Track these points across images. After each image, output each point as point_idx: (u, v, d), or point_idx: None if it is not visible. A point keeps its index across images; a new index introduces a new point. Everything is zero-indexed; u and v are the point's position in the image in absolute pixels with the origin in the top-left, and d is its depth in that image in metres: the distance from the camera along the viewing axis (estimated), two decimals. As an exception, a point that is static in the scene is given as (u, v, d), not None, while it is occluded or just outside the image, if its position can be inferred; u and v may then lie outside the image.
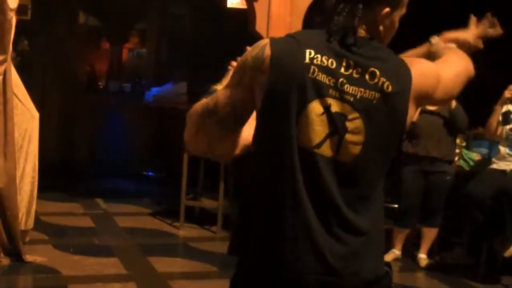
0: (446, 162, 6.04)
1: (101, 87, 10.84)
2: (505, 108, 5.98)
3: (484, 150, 6.82)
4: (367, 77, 1.90)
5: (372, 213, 1.96)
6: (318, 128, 1.88)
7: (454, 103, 5.86)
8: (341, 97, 1.88)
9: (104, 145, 9.44)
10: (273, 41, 1.93)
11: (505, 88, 5.99)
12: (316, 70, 1.87)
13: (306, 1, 6.62)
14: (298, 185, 1.87)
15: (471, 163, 6.57)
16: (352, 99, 1.88)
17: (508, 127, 5.96)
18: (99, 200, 7.89)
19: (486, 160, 6.50)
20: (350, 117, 1.89)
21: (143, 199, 8.08)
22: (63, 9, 9.45)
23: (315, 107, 1.87)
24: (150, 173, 9.74)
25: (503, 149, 6.01)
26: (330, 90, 1.88)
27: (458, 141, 6.65)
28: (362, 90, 1.89)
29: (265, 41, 1.93)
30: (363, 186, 1.94)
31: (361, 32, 1.95)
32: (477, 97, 7.30)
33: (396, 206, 6.20)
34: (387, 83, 1.91)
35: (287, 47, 1.91)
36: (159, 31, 10.95)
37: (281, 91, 1.87)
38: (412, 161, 5.99)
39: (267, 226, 1.91)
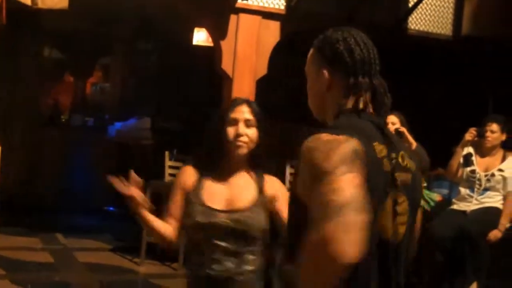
0: None
1: (63, 121, 10.76)
2: (466, 151, 6.08)
3: (445, 191, 6.91)
4: (400, 160, 1.94)
5: None
6: (389, 217, 1.90)
7: (414, 144, 5.93)
8: (394, 183, 1.90)
9: (66, 179, 9.34)
10: (351, 134, 1.79)
11: (465, 131, 6.09)
12: (386, 162, 1.87)
13: (272, 41, 6.71)
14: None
15: (432, 203, 6.64)
16: (399, 184, 1.91)
17: (468, 169, 6.06)
18: (59, 235, 7.79)
19: (447, 201, 6.58)
20: (399, 201, 1.92)
21: (104, 235, 7.99)
22: (28, 42, 9.41)
23: (389, 200, 1.88)
24: (111, 208, 9.65)
25: (463, 190, 6.10)
26: (390, 177, 1.89)
27: (419, 181, 6.72)
28: (401, 173, 1.93)
29: (340, 137, 1.76)
30: (405, 262, 2.00)
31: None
32: (437, 138, 7.43)
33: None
34: (411, 162, 1.98)
35: (362, 140, 1.81)
36: (124, 66, 10.95)
37: (371, 188, 1.76)
38: None
39: None
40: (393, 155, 1.91)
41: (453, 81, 8.30)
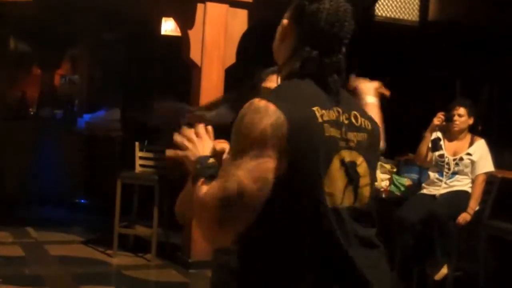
0: None
1: (32, 113, 10.66)
2: (434, 135, 6.14)
3: (414, 176, 6.97)
4: (353, 120, 1.94)
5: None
6: (339, 184, 1.87)
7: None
8: (348, 145, 1.90)
9: (35, 173, 9.26)
10: (282, 105, 1.80)
11: (433, 115, 6.14)
12: (328, 127, 1.85)
13: (240, 29, 6.70)
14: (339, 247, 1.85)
15: (402, 188, 6.70)
16: (354, 144, 1.91)
17: (437, 153, 6.11)
18: (30, 228, 7.73)
19: (417, 185, 6.64)
20: (358, 162, 1.92)
21: (75, 227, 7.95)
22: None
23: (335, 164, 1.86)
24: (83, 201, 9.60)
25: (432, 175, 6.16)
26: (340, 142, 1.88)
27: (388, 166, 6.78)
28: (356, 134, 1.93)
29: (271, 106, 1.79)
30: (374, 224, 1.99)
31: None
32: (406, 123, 7.48)
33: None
34: (366, 121, 1.98)
35: (298, 111, 1.82)
36: (92, 57, 10.87)
37: (306, 160, 1.80)
38: None
39: None
40: (345, 116, 1.91)
41: (420, 66, 8.36)
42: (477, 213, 5.91)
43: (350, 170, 1.89)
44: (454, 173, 6.04)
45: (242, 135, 1.80)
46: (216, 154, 2.03)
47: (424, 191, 6.19)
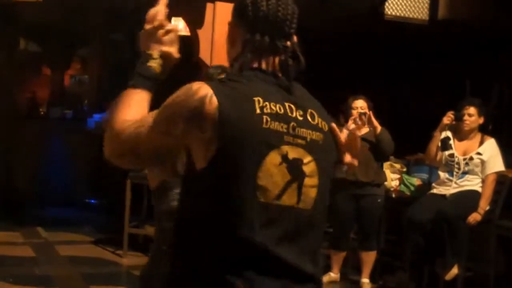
0: (374, 186, 6.12)
1: (42, 113, 10.68)
2: (443, 135, 6.11)
3: (424, 175, 6.94)
4: (309, 118, 1.89)
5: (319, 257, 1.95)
6: (277, 179, 1.80)
7: (379, 128, 5.98)
8: (295, 142, 1.84)
9: (45, 173, 9.29)
10: (218, 93, 1.77)
11: (443, 114, 6.12)
12: (269, 119, 1.80)
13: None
14: (262, 243, 1.78)
15: (412, 188, 6.69)
16: (304, 142, 1.85)
17: (447, 153, 6.08)
18: (40, 228, 7.75)
19: (426, 185, 6.62)
20: (305, 161, 1.85)
21: (85, 227, 7.97)
22: (3, 35, 9.32)
23: (273, 158, 1.79)
24: (92, 201, 9.62)
25: (442, 174, 6.14)
26: (285, 137, 1.82)
27: (398, 166, 6.77)
28: (310, 132, 1.87)
29: (205, 92, 1.77)
30: (318, 231, 1.92)
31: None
32: (416, 123, 7.47)
33: (331, 230, 6.27)
34: (323, 122, 1.92)
35: (234, 98, 1.78)
36: (101, 57, 10.88)
37: (236, 148, 1.75)
38: (341, 186, 6.05)
39: None
40: (298, 112, 1.86)
41: (430, 65, 8.33)
42: (487, 213, 5.89)
43: (293, 166, 1.82)
44: (464, 173, 6.02)
45: (164, 106, 1.87)
46: (164, 56, 2.02)
47: (434, 190, 6.17)
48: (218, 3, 6.51)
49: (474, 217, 5.79)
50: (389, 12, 7.40)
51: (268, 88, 1.85)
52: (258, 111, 1.79)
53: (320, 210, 1.91)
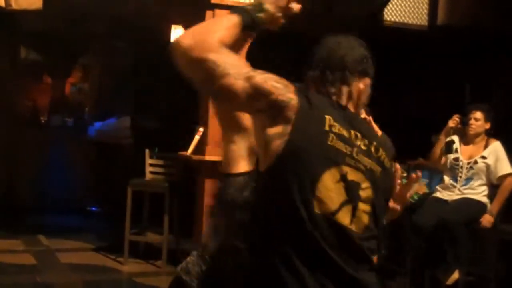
0: None
1: (43, 121, 10.70)
2: (449, 138, 6.10)
3: (425, 180, 6.94)
4: (372, 150, 1.99)
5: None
6: (334, 196, 1.88)
7: (379, 133, 5.97)
8: (356, 166, 1.92)
9: (46, 180, 9.30)
10: (300, 92, 1.90)
11: (443, 119, 6.12)
12: (335, 138, 1.89)
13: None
14: (319, 249, 1.87)
15: (415, 196, 6.66)
16: (364, 169, 1.94)
17: (452, 156, 6.06)
18: (41, 236, 7.75)
19: (428, 193, 6.60)
20: (363, 186, 1.93)
21: (86, 235, 7.97)
22: (4, 43, 9.34)
23: (333, 174, 1.88)
24: (94, 208, 9.62)
25: (447, 179, 6.12)
26: (347, 159, 1.91)
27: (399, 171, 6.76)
28: (370, 161, 1.96)
29: (292, 86, 1.90)
30: (368, 255, 2.00)
31: (350, 105, 2.06)
32: (416, 128, 7.47)
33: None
34: (386, 159, 2.03)
35: (311, 107, 1.89)
36: (102, 65, 10.90)
37: (302, 152, 1.86)
38: None
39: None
40: (363, 142, 1.96)
41: (430, 70, 8.35)
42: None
43: (350, 188, 1.91)
44: (468, 179, 5.99)
45: (267, 75, 1.89)
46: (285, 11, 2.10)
47: (438, 194, 6.16)
48: (218, 11, 6.52)
49: (488, 220, 5.78)
50: (388, 18, 7.42)
51: (338, 113, 1.95)
52: (327, 127, 1.89)
53: (369, 237, 1.98)
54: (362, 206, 1.93)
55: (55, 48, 10.40)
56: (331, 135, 1.89)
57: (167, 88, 9.77)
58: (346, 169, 1.90)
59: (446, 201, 6.05)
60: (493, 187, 5.99)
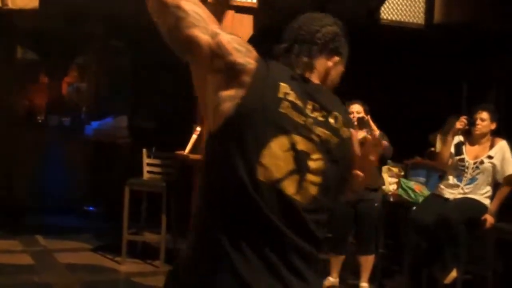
0: (372, 190, 6.11)
1: (40, 121, 10.69)
2: (457, 139, 6.08)
3: (422, 179, 6.95)
4: (331, 121, 1.95)
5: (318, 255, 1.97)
6: (281, 164, 1.86)
7: (377, 132, 5.98)
8: (308, 136, 1.89)
9: (43, 180, 9.28)
10: (260, 63, 1.91)
11: (440, 118, 6.12)
12: (289, 106, 1.88)
13: (246, 34, 6.70)
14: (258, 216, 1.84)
15: (410, 191, 6.68)
16: (317, 139, 1.91)
17: (457, 157, 6.04)
18: (39, 236, 7.74)
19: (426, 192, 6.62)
20: (313, 157, 1.90)
21: (84, 235, 7.96)
22: (0, 43, 9.33)
23: (281, 142, 1.86)
24: (91, 208, 9.61)
25: (451, 178, 6.08)
26: (299, 128, 1.89)
27: (396, 170, 6.78)
28: (327, 133, 1.93)
29: (254, 55, 1.92)
30: (313, 227, 1.93)
31: (315, 77, 2.03)
32: (413, 127, 7.48)
33: (330, 235, 6.29)
34: (344, 129, 1.98)
35: (268, 74, 1.90)
36: (99, 64, 10.89)
37: (251, 118, 1.84)
38: None
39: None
40: (322, 113, 1.94)
41: (426, 69, 8.35)
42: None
43: (299, 158, 1.88)
44: (473, 180, 5.97)
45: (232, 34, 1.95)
46: None
47: (439, 191, 6.16)
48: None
49: (490, 221, 5.78)
50: (385, 17, 7.42)
51: (297, 84, 1.94)
52: (281, 95, 1.88)
53: (317, 210, 1.93)
54: (311, 177, 1.90)
55: (52, 48, 10.39)
56: (285, 102, 1.87)
57: (164, 87, 9.78)
58: (296, 138, 1.87)
59: (447, 199, 6.04)
60: (496, 186, 5.99)
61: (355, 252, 6.35)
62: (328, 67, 2.06)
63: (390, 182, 6.68)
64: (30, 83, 10.82)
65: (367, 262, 6.22)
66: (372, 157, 2.05)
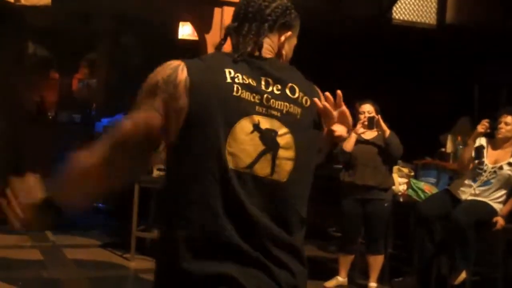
0: (382, 190, 6.09)
1: (50, 117, 10.71)
2: (477, 143, 5.99)
3: (432, 180, 6.93)
4: (288, 92, 1.93)
5: (302, 232, 1.95)
6: (249, 148, 1.85)
7: (388, 132, 5.97)
8: (269, 113, 1.88)
9: (53, 176, 9.29)
10: (189, 64, 1.89)
11: (451, 119, 6.09)
12: (240, 88, 1.87)
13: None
14: (232, 207, 1.83)
15: (419, 192, 6.67)
16: (279, 114, 1.90)
17: (477, 161, 5.96)
18: (48, 232, 7.76)
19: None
20: (280, 132, 1.89)
21: (93, 231, 7.98)
22: (12, 39, 9.35)
23: (244, 126, 1.85)
24: (100, 205, 9.62)
25: (467, 180, 6.03)
26: (257, 107, 1.87)
27: (406, 170, 6.76)
28: (287, 105, 1.91)
29: (178, 63, 1.90)
30: (296, 204, 1.93)
31: (268, 53, 2.00)
32: (423, 128, 7.45)
33: (340, 234, 6.28)
34: (305, 97, 1.96)
35: (205, 68, 1.89)
36: (110, 61, 10.91)
37: (205, 115, 1.83)
38: (349, 190, 6.06)
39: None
40: (276, 86, 1.92)
41: (437, 69, 8.33)
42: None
43: (266, 136, 1.87)
44: (487, 182, 5.92)
45: (143, 85, 1.97)
46: None
47: (452, 186, 6.12)
48: (226, 8, 6.53)
49: (501, 222, 5.75)
50: (397, 17, 7.41)
51: (241, 65, 1.92)
52: (229, 80, 1.87)
53: (296, 184, 1.92)
54: (283, 153, 1.88)
55: (63, 44, 10.42)
56: (236, 85, 1.86)
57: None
58: (257, 118, 1.86)
59: (457, 198, 6.00)
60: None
61: (364, 251, 6.33)
62: (281, 43, 2.03)
63: (400, 183, 6.66)
64: (41, 79, 10.85)
65: (376, 262, 6.20)
66: (337, 113, 2.04)
